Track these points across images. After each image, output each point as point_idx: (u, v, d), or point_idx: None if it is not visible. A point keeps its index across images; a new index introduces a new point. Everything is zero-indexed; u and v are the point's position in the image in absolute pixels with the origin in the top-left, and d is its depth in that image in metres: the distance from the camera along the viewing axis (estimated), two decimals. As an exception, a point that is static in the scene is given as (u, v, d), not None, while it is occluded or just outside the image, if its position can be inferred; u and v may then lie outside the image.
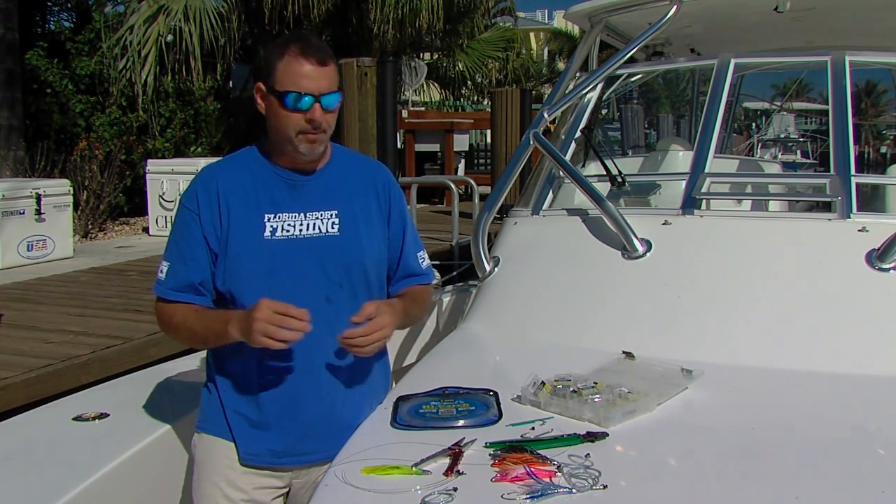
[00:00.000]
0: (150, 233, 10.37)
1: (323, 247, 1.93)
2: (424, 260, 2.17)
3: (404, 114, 16.39)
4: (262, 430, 1.94)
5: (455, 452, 1.59)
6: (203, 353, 2.08)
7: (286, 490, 2.01)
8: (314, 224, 1.93)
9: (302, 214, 1.93)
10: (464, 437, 1.66)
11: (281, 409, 1.93)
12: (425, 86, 16.97)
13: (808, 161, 20.10)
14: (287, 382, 1.91)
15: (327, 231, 1.94)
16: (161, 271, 1.93)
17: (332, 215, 1.95)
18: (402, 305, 1.99)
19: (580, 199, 2.96)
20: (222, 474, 1.95)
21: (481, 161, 18.79)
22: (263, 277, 1.88)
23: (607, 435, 1.68)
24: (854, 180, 2.55)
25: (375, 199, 2.04)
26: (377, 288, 2.04)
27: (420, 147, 15.24)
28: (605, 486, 1.47)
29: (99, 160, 10.64)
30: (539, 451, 1.58)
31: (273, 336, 1.73)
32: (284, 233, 1.90)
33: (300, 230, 1.92)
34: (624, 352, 2.18)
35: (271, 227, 1.90)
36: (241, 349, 1.86)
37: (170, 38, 10.97)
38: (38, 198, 8.14)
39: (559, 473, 1.50)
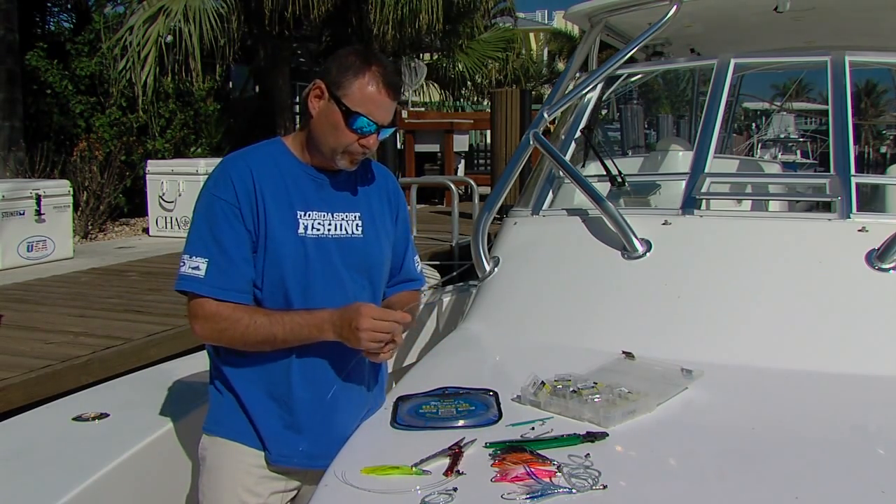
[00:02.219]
0: (150, 233, 10.39)
1: (349, 248, 1.94)
2: (419, 264, 2.21)
3: (404, 114, 16.41)
4: (295, 432, 1.91)
5: (455, 452, 1.59)
6: (204, 353, 2.05)
7: (296, 493, 1.99)
8: (340, 225, 1.93)
9: (330, 214, 1.92)
10: (464, 437, 1.65)
11: (315, 413, 1.91)
12: (425, 86, 16.98)
13: (807, 161, 20.10)
14: (323, 387, 1.90)
15: (352, 233, 1.95)
16: (195, 268, 1.81)
17: (355, 217, 1.96)
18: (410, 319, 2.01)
19: (580, 199, 2.96)
20: (239, 480, 1.91)
21: (481, 161, 18.83)
22: (300, 275, 1.87)
23: (607, 435, 1.68)
24: (854, 180, 2.56)
25: (388, 204, 2.07)
26: (382, 290, 2.08)
27: (420, 147, 15.27)
28: (604, 486, 1.47)
29: (99, 161, 10.65)
30: (539, 451, 1.58)
31: (378, 339, 1.78)
32: (315, 231, 1.89)
33: (328, 230, 1.91)
34: (624, 352, 2.18)
35: (304, 224, 1.88)
36: (277, 352, 1.86)
37: (169, 38, 10.95)
38: (38, 198, 8.14)
39: (559, 473, 1.50)
